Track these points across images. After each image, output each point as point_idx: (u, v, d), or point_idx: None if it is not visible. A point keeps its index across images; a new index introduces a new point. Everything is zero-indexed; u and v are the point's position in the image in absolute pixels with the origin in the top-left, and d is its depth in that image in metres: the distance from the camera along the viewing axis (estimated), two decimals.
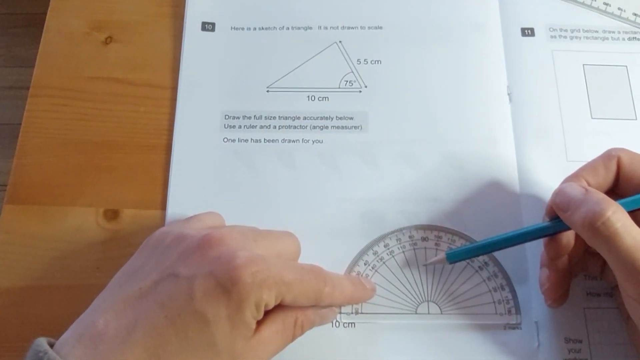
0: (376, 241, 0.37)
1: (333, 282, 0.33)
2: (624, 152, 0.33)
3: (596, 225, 0.29)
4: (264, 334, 0.30)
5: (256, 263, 0.29)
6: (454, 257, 0.35)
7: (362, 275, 0.36)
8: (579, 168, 0.34)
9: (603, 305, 0.35)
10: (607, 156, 0.33)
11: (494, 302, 0.35)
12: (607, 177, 0.33)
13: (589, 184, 0.33)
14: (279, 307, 0.31)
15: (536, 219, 0.37)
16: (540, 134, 0.39)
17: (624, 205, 0.30)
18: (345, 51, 0.42)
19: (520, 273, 0.36)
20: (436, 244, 0.37)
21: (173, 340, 0.28)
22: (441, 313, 0.35)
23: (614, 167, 0.33)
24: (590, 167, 0.33)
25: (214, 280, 0.29)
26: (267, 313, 0.30)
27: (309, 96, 0.41)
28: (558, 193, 0.32)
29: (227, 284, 0.28)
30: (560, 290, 0.33)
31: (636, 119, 0.40)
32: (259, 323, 0.30)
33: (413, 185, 0.38)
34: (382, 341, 0.35)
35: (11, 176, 0.39)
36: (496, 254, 0.36)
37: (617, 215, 0.29)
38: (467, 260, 0.36)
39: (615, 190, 0.33)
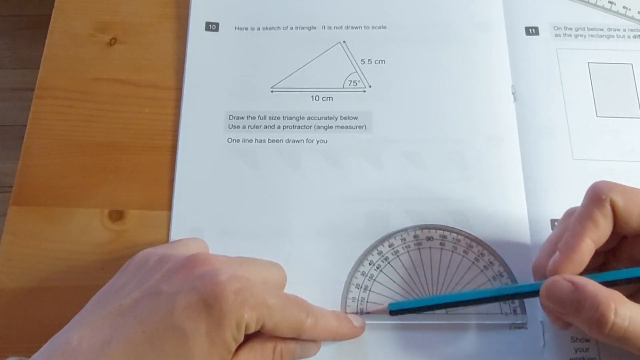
0: (381, 241, 0.37)
1: (316, 315, 0.32)
2: (614, 193, 0.30)
3: (605, 332, 0.28)
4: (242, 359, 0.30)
5: (240, 281, 0.29)
6: (396, 309, 0.34)
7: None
8: (576, 223, 0.31)
9: None
10: (599, 201, 0.31)
11: (499, 301, 0.35)
12: (607, 225, 0.31)
13: (594, 242, 0.31)
14: (259, 334, 0.30)
15: (541, 217, 0.37)
16: (545, 132, 0.39)
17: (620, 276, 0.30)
18: (349, 51, 0.42)
19: (525, 272, 0.36)
20: (441, 244, 0.37)
21: (149, 356, 0.27)
22: (446, 313, 0.35)
23: (610, 212, 0.30)
24: (590, 222, 0.30)
25: (197, 295, 0.28)
26: (246, 340, 0.30)
27: (313, 96, 0.41)
28: (548, 296, 0.30)
29: (209, 299, 0.28)
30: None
31: None
32: (237, 349, 0.30)
33: (417, 184, 0.38)
34: (387, 341, 0.35)
35: (17, 177, 0.39)
36: (501, 252, 0.36)
37: (620, 312, 0.27)
38: (472, 260, 0.36)
39: (614, 229, 0.31)
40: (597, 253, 0.31)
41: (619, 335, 0.28)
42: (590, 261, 0.31)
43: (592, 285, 0.29)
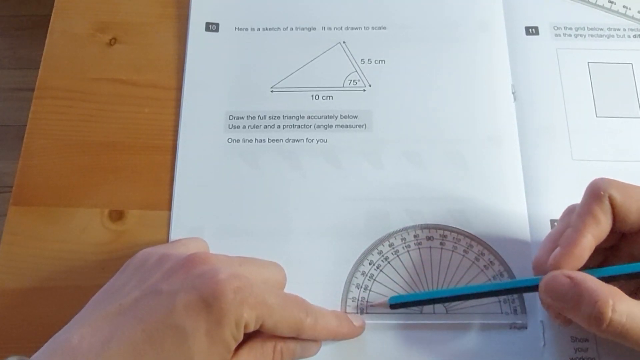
0: (381, 240, 0.37)
1: (316, 315, 0.32)
2: (613, 189, 0.31)
3: (603, 328, 0.28)
4: (242, 359, 0.30)
5: (240, 279, 0.29)
6: (396, 303, 0.34)
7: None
8: (577, 219, 0.31)
9: None
10: (598, 197, 0.31)
11: (500, 301, 0.35)
12: (607, 221, 0.31)
13: (594, 238, 0.31)
14: (259, 334, 0.31)
15: (541, 217, 0.37)
16: (545, 132, 0.39)
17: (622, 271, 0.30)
18: (349, 51, 0.42)
19: (525, 271, 0.36)
20: (441, 243, 0.37)
21: (149, 355, 0.28)
22: (447, 313, 0.35)
23: (609, 208, 0.31)
24: (591, 218, 0.31)
25: (197, 294, 0.28)
26: (246, 339, 0.30)
27: (312, 95, 0.41)
28: (547, 291, 0.30)
29: (209, 298, 0.28)
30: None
31: None
32: (237, 348, 0.30)
33: (417, 184, 0.38)
34: (387, 341, 0.35)
35: (17, 178, 0.39)
36: (501, 252, 0.36)
37: (618, 308, 0.27)
38: (472, 259, 0.36)
39: (613, 226, 0.31)
40: (597, 251, 0.31)
41: (616, 331, 0.28)
42: (590, 259, 0.31)
43: (591, 280, 0.29)
